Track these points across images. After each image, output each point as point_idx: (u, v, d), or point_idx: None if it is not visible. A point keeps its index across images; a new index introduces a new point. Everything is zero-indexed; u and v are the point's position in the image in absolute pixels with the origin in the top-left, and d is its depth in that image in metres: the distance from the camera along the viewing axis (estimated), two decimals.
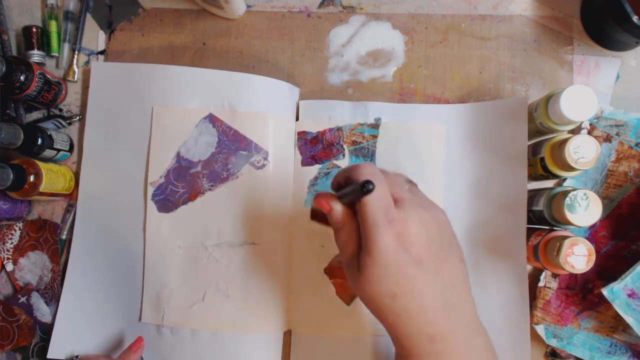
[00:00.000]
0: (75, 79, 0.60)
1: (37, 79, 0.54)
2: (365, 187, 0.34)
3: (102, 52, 0.61)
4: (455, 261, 0.39)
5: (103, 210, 0.57)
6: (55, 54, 0.60)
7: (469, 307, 0.39)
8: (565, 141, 0.48)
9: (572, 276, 0.54)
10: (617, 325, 0.53)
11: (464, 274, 0.39)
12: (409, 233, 0.36)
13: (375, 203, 0.36)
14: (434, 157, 0.56)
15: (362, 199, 0.36)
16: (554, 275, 0.54)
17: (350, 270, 0.38)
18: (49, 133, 0.55)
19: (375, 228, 0.35)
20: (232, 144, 0.56)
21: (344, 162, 0.57)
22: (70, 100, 0.61)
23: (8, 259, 0.58)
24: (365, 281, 0.36)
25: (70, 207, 0.59)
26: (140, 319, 0.56)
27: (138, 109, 0.57)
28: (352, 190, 0.36)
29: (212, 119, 0.56)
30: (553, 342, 0.54)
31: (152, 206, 0.56)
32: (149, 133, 0.57)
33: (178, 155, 0.56)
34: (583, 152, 0.48)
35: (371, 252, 0.36)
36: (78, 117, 0.60)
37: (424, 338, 0.37)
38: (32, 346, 0.56)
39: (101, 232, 0.57)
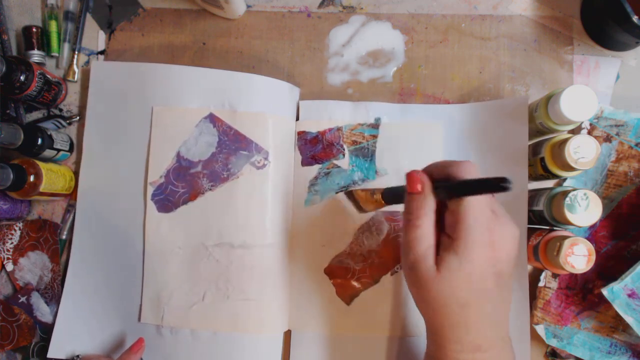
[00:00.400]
0: (75, 79, 0.60)
1: (37, 79, 0.54)
2: (504, 183, 0.32)
3: (102, 52, 0.61)
4: (511, 279, 0.39)
5: (103, 210, 0.57)
6: (55, 54, 0.60)
7: (507, 321, 0.40)
8: (565, 141, 0.48)
9: (572, 276, 0.54)
10: (617, 325, 0.53)
11: (511, 291, 0.40)
12: (501, 247, 0.35)
13: (483, 206, 0.35)
14: (434, 157, 0.56)
15: (467, 198, 0.34)
16: (554, 275, 0.54)
17: (419, 265, 0.36)
18: (49, 133, 0.55)
19: (474, 232, 0.34)
20: (232, 144, 0.56)
21: (344, 162, 0.57)
22: (70, 100, 0.61)
23: (8, 259, 0.58)
24: (443, 281, 0.35)
25: (70, 207, 0.59)
26: (140, 319, 0.56)
27: (138, 108, 0.57)
28: (479, 182, 0.34)
29: (212, 118, 0.56)
30: (553, 342, 0.54)
31: (151, 206, 0.56)
32: (149, 133, 0.57)
33: (178, 155, 0.56)
34: (583, 152, 0.48)
35: (461, 255, 0.34)
36: (78, 117, 0.60)
37: (471, 347, 0.37)
38: (32, 346, 0.56)
39: (101, 232, 0.57)
